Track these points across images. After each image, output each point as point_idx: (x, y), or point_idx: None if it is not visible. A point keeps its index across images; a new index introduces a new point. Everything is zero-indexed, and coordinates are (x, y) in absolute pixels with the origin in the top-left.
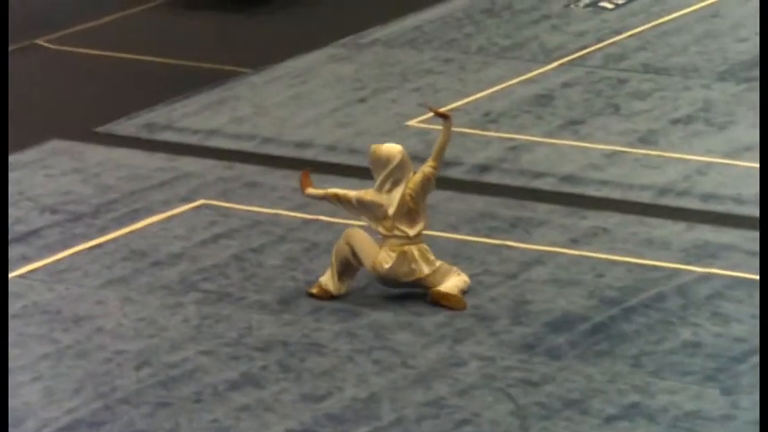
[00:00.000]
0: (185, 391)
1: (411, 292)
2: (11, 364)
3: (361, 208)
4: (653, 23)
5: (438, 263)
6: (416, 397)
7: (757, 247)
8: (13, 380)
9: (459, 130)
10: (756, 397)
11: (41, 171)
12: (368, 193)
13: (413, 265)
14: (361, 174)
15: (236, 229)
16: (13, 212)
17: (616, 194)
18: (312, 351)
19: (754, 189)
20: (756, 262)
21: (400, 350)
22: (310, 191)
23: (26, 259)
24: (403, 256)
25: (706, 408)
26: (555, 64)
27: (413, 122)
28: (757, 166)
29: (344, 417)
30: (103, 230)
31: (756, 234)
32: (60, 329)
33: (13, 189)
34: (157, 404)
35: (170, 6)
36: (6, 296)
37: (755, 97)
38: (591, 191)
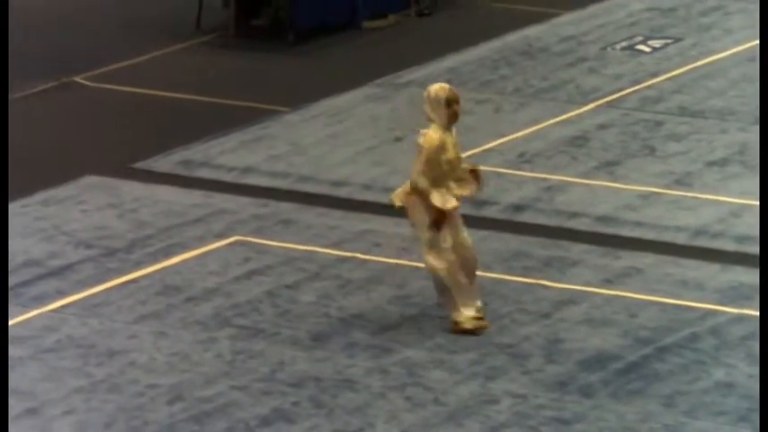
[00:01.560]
0: (218, 426)
1: (445, 331)
2: (43, 397)
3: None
4: (689, 66)
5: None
6: None
7: None
8: (45, 413)
9: (494, 169)
10: None
11: (77, 206)
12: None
13: None
14: (397, 213)
15: (270, 266)
16: (48, 247)
17: (651, 235)
18: (344, 387)
19: None
20: None
21: (432, 387)
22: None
23: (61, 293)
24: None
25: None
26: (591, 106)
27: None
28: None
29: None
30: (138, 265)
31: None
32: (94, 363)
33: (48, 224)
34: None
35: (207, 45)
36: (6, 296)
37: None
38: (625, 231)
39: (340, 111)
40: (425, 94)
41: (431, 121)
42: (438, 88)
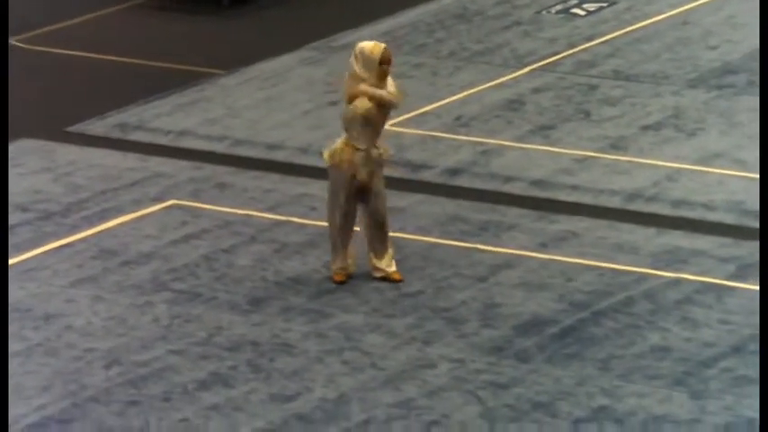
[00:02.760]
0: (155, 390)
1: (382, 296)
2: None
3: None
4: (624, 30)
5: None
6: (385, 398)
7: (727, 253)
8: None
9: (430, 133)
10: (724, 401)
11: (12, 170)
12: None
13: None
14: None
15: (206, 230)
16: None
17: (586, 199)
18: (282, 351)
19: (724, 195)
20: (726, 267)
21: (370, 351)
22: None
23: None
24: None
25: (674, 411)
26: (526, 69)
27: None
28: (727, 172)
29: (313, 417)
30: (74, 229)
31: (726, 240)
32: (30, 327)
33: None
34: (127, 403)
35: (143, 8)
36: (6, 294)
37: (725, 104)
38: (561, 195)
39: (276, 74)
40: (357, 50)
41: (358, 78)
42: (373, 46)
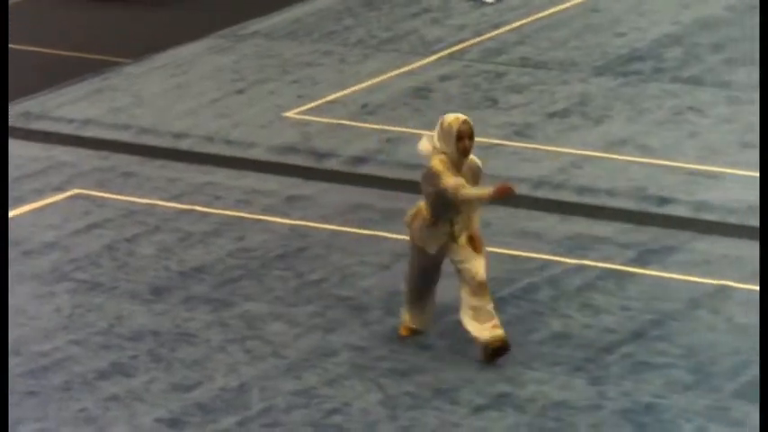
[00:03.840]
0: (54, 380)
1: (285, 284)
2: None
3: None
4: (532, 18)
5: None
6: (286, 386)
7: (628, 239)
8: None
9: (337, 121)
10: (623, 387)
11: None
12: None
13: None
14: (238, 164)
15: (110, 219)
16: None
17: (491, 186)
18: (183, 341)
19: (628, 183)
20: (627, 253)
21: (272, 340)
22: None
23: None
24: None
25: (574, 397)
26: (434, 57)
27: (291, 113)
28: (632, 159)
29: (214, 406)
30: None
31: (628, 226)
32: None
33: None
34: (26, 393)
35: None
36: (6, 291)
37: (632, 92)
38: None
39: (183, 62)
40: (440, 120)
41: (438, 151)
42: (453, 119)
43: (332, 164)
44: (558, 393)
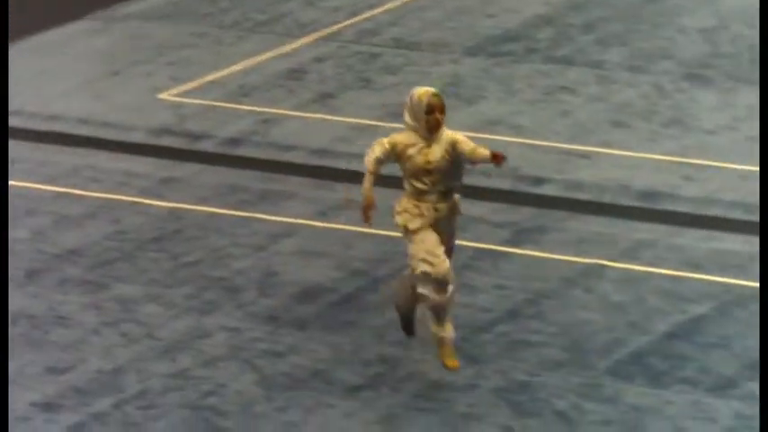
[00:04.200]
0: None
1: (160, 266)
2: None
3: None
4: None
5: None
6: (162, 369)
7: (502, 219)
8: None
9: (211, 103)
10: (499, 366)
11: None
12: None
13: None
14: (114, 147)
15: None
16: None
17: (364, 167)
18: (57, 324)
19: None
20: (501, 233)
21: (147, 322)
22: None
23: None
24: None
25: (450, 377)
26: (308, 38)
27: (165, 96)
28: (505, 139)
29: (89, 389)
30: None
31: (502, 206)
32: None
33: None
34: None
35: None
36: (6, 292)
37: (504, 72)
38: (340, 164)
39: (56, 45)
40: (408, 97)
41: (409, 127)
42: (422, 92)
43: (207, 145)
44: (435, 373)
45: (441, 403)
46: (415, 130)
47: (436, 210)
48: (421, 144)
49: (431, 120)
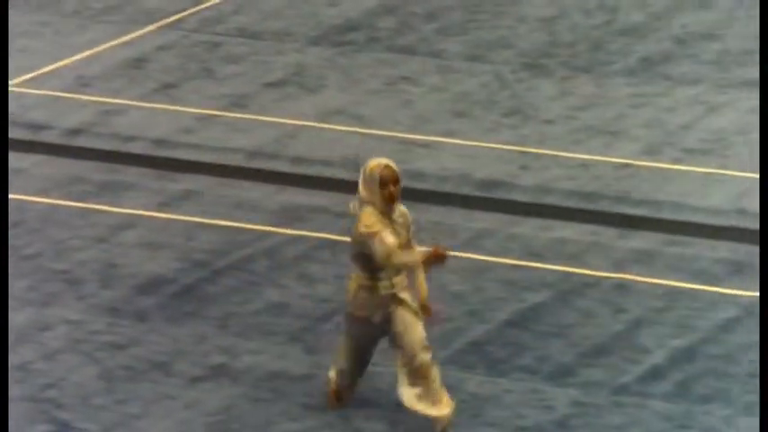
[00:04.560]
0: None
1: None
2: None
3: None
4: None
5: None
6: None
7: (343, 209)
8: None
9: (52, 93)
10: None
11: None
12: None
13: None
14: None
15: None
16: None
17: (207, 158)
18: None
19: (342, 152)
20: (342, 223)
21: None
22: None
23: None
24: None
25: (290, 367)
26: (151, 27)
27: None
28: (346, 129)
29: None
30: None
31: (343, 196)
32: None
33: None
34: None
35: None
36: (6, 290)
37: (346, 62)
38: (182, 154)
39: None
40: (362, 169)
41: (364, 201)
42: (374, 164)
43: (48, 136)
44: (274, 363)
45: (280, 394)
46: (371, 203)
47: (393, 286)
48: (389, 226)
49: (385, 193)
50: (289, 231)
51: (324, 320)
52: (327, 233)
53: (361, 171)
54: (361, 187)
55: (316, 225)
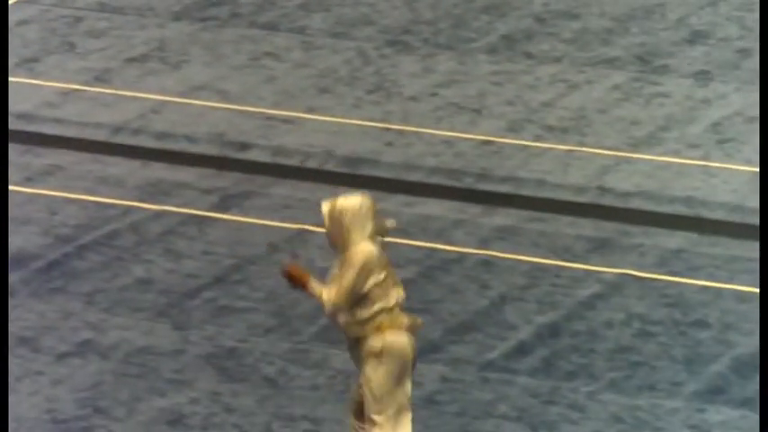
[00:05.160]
0: None
1: None
2: None
3: None
4: None
5: None
6: None
7: (209, 184)
8: None
9: None
10: (206, 332)
11: None
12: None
13: None
14: None
15: None
16: None
17: (71, 132)
18: None
19: (207, 128)
20: (208, 198)
21: None
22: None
23: None
24: None
25: (157, 343)
26: (12, 1)
27: None
28: (210, 104)
29: None
30: None
31: (209, 171)
32: None
33: None
34: None
35: None
36: (6, 293)
37: (209, 36)
38: (45, 129)
39: None
40: (329, 209)
41: (347, 239)
42: (360, 200)
43: None
44: (142, 339)
45: (148, 369)
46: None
47: None
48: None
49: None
50: (154, 207)
51: (191, 296)
52: (193, 208)
53: (330, 210)
54: (338, 223)
55: (181, 200)
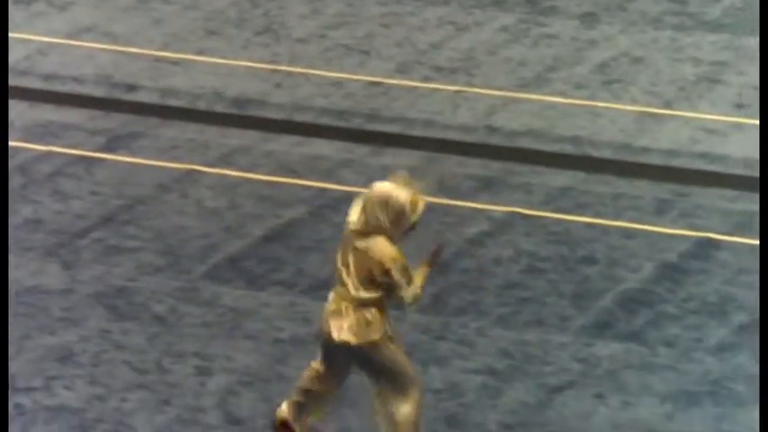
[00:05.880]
0: None
1: None
2: None
3: None
4: None
5: None
6: None
7: (97, 126)
8: None
9: None
10: (95, 271)
11: None
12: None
13: None
14: None
15: None
16: None
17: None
18: None
19: (94, 70)
20: (96, 139)
21: None
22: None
23: None
24: None
25: (46, 282)
26: None
27: None
28: (97, 46)
29: None
30: None
31: (96, 113)
32: None
33: None
34: None
35: None
36: (6, 294)
37: None
38: None
39: None
40: (381, 197)
41: (376, 230)
42: (408, 196)
43: None
44: (31, 278)
45: (37, 308)
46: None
47: None
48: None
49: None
50: (41, 147)
51: (80, 236)
52: (81, 149)
53: (381, 198)
54: (379, 211)
55: (69, 142)
